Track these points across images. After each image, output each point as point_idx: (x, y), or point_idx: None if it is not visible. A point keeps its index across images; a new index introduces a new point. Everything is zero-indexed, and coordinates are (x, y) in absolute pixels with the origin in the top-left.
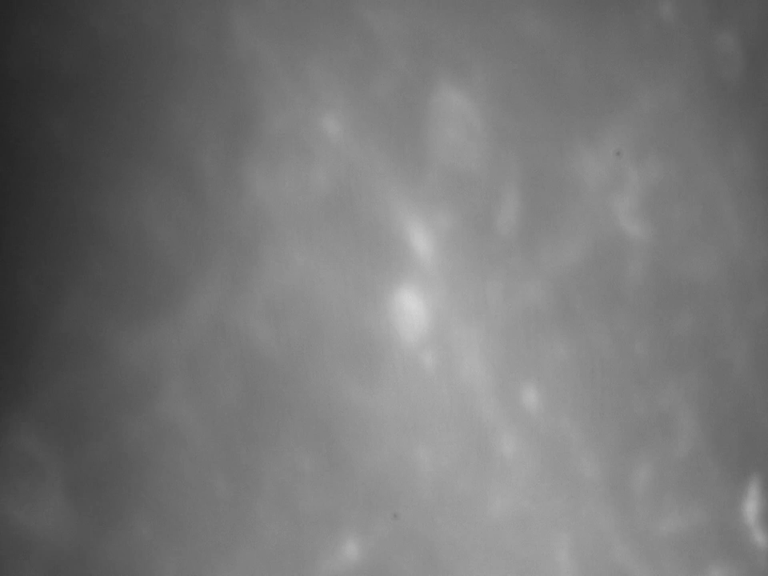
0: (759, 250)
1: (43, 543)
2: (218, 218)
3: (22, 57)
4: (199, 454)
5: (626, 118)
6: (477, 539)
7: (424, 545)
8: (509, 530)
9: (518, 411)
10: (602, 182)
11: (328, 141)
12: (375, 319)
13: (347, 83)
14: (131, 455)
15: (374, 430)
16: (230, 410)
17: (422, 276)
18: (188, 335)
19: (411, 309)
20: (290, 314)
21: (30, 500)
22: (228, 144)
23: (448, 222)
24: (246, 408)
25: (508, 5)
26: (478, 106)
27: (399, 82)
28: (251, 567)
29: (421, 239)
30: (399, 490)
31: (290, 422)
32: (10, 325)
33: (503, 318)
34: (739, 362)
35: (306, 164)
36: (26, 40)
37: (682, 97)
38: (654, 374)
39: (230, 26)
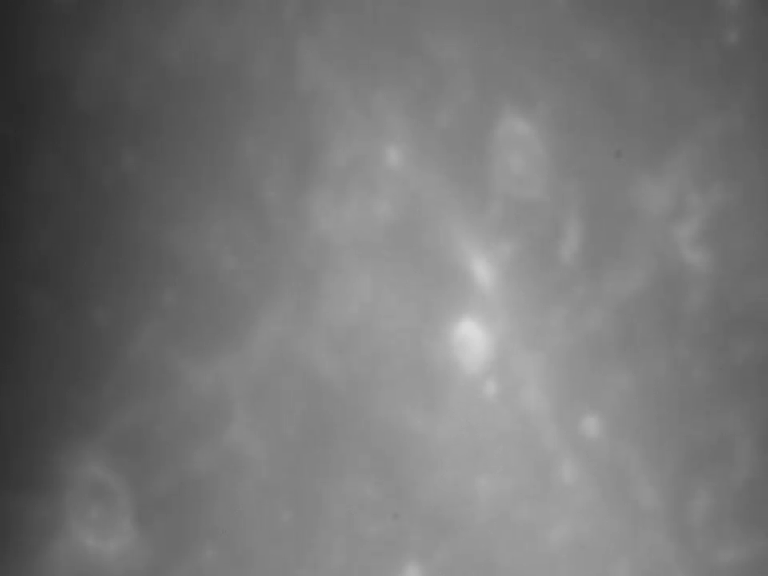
0: None
1: (112, 568)
2: (283, 249)
3: (93, 90)
4: (264, 482)
5: (689, 146)
6: (536, 565)
7: (484, 570)
8: (568, 556)
9: (578, 439)
10: (664, 209)
11: (392, 171)
12: (438, 348)
13: (411, 114)
14: (198, 483)
15: (436, 457)
16: (294, 439)
17: (485, 305)
18: (254, 364)
19: (473, 338)
20: (353, 343)
21: (100, 526)
22: (293, 175)
23: (510, 250)
24: (309, 436)
25: (572, 34)
26: (541, 134)
27: (463, 112)
28: None
29: (483, 268)
30: (460, 517)
31: (352, 451)
32: (82, 355)
33: (565, 346)
34: None
35: (369, 194)
36: (97, 73)
37: (745, 123)
38: (714, 402)
39: (296, 59)
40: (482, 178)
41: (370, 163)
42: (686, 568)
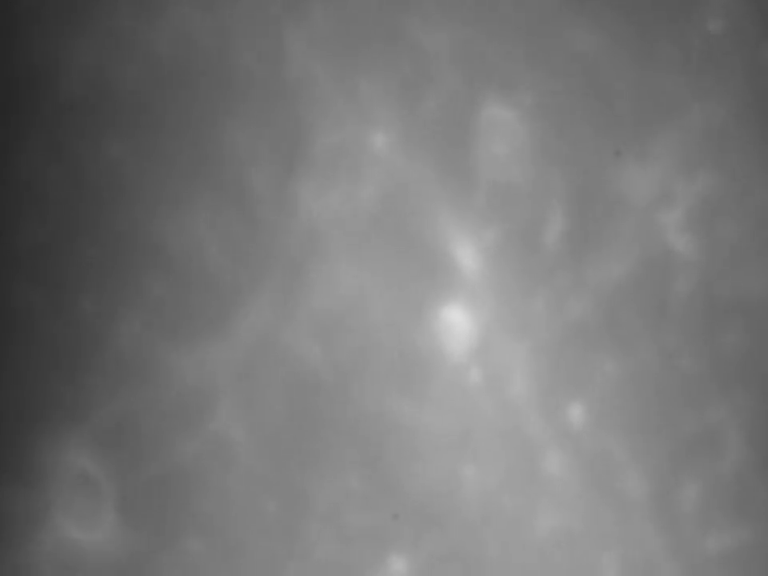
0: None
1: (97, 559)
2: (269, 237)
3: (80, 80)
4: (250, 472)
5: (674, 133)
6: (523, 556)
7: (471, 562)
8: (555, 547)
9: (564, 428)
10: (649, 197)
11: (377, 159)
12: (422, 336)
13: (397, 101)
14: (183, 473)
15: (422, 447)
16: (280, 428)
17: (469, 292)
18: (239, 353)
19: (458, 325)
20: (338, 331)
21: (84, 516)
22: (280, 163)
23: (495, 237)
24: (295, 426)
25: (556, 21)
26: (525, 122)
27: (448, 99)
28: None
29: (468, 255)
30: (446, 507)
31: (338, 440)
32: (68, 345)
33: (550, 333)
34: None
35: (355, 182)
36: (84, 63)
37: (731, 111)
38: (701, 391)
39: (284, 47)
40: (467, 165)
41: (356, 150)
42: (674, 557)
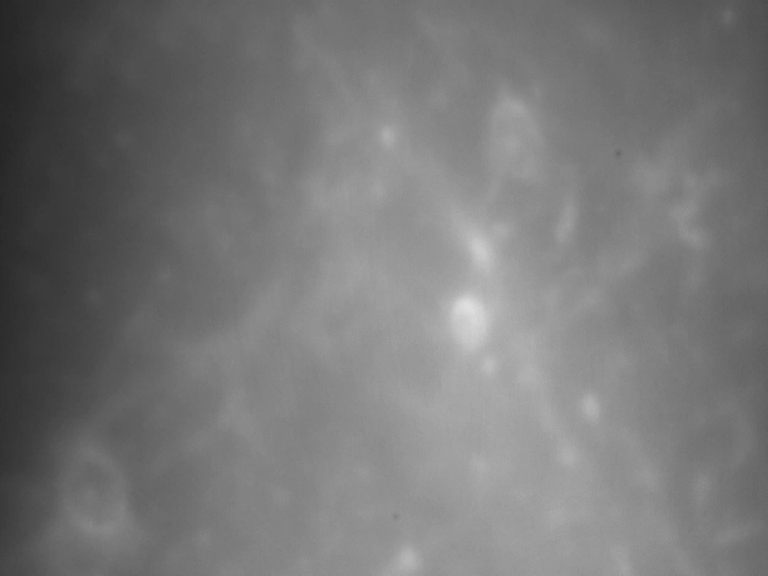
0: None
1: (107, 552)
2: (278, 230)
3: (88, 70)
4: (258, 464)
5: (685, 127)
6: (534, 549)
7: (481, 554)
8: (567, 539)
9: (576, 420)
10: (660, 190)
11: (387, 152)
12: (434, 329)
13: (406, 94)
14: (193, 465)
15: (432, 439)
16: (289, 421)
17: (482, 285)
18: (248, 346)
19: (470, 318)
20: (348, 323)
21: (95, 510)
22: (288, 156)
23: (507, 231)
24: (304, 418)
25: (567, 14)
26: (536, 115)
27: (458, 93)
28: None
29: (480, 249)
30: (456, 500)
31: (347, 432)
32: (76, 338)
33: (562, 326)
34: None
35: (365, 175)
36: (92, 54)
37: (742, 105)
38: (712, 383)
39: (292, 39)
40: (477, 159)
41: (366, 144)
42: (686, 550)
